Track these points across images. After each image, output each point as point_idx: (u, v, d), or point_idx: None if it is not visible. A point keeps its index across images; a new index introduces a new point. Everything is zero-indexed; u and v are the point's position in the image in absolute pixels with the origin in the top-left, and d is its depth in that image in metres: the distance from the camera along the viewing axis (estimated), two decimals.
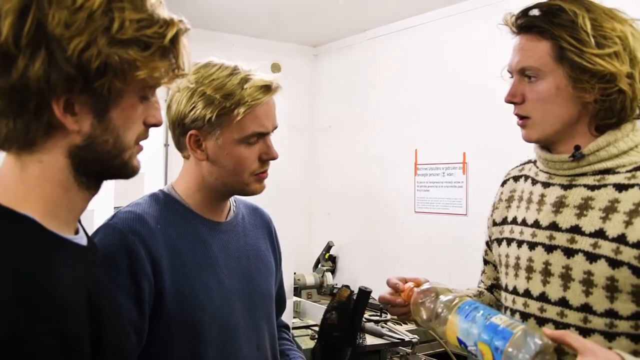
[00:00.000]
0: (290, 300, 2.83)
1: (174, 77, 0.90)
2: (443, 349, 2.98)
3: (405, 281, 1.35)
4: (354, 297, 1.38)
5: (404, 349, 2.80)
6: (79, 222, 0.95)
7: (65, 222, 0.88)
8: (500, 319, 1.10)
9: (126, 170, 0.93)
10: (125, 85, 0.84)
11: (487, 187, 1.85)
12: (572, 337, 1.05)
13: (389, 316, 3.12)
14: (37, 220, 0.82)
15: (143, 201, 1.34)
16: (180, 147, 1.37)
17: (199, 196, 1.37)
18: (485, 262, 1.56)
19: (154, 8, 0.86)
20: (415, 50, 3.81)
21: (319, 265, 4.13)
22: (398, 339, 2.75)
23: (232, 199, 1.48)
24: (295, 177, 4.47)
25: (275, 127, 1.36)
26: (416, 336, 2.81)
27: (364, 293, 1.36)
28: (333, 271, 4.18)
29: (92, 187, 0.91)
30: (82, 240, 0.92)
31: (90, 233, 1.04)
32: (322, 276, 3.91)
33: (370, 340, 2.71)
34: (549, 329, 1.07)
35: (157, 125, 0.94)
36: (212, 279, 1.33)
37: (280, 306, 1.62)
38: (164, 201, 1.36)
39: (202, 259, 1.33)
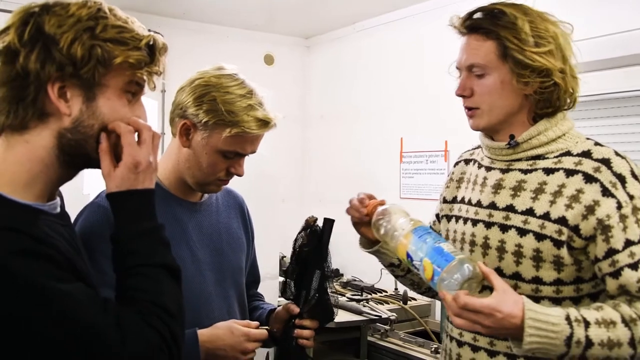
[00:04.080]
0: (276, 280, 2.98)
1: (150, 72, 1.08)
2: (422, 327, 3.14)
3: (371, 198, 1.52)
4: (320, 224, 1.55)
5: (383, 326, 2.96)
6: (60, 196, 1.11)
7: (41, 194, 1.03)
8: (447, 246, 1.28)
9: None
10: (108, 73, 1.02)
11: None
12: (494, 277, 1.23)
13: (370, 296, 3.28)
14: (4, 194, 0.98)
15: None
16: (172, 124, 1.53)
17: (174, 177, 1.53)
18: None
19: (135, 25, 1.06)
20: (401, 42, 3.93)
21: None
22: (376, 316, 2.90)
23: None
24: (287, 165, 4.61)
25: (254, 153, 1.51)
26: (394, 314, 2.96)
27: (328, 220, 1.54)
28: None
29: (72, 166, 1.07)
30: (54, 209, 1.06)
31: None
32: None
33: (350, 317, 2.88)
34: (482, 264, 1.24)
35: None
36: (185, 252, 1.49)
37: (254, 279, 1.80)
38: None
39: (177, 234, 1.49)
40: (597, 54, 2.54)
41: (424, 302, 3.31)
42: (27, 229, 0.94)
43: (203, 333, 1.42)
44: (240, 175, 1.51)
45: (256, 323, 1.49)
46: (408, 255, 1.33)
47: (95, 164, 1.08)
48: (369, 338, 2.99)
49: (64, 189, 1.13)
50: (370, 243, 1.60)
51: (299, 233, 1.56)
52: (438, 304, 3.29)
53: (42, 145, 1.02)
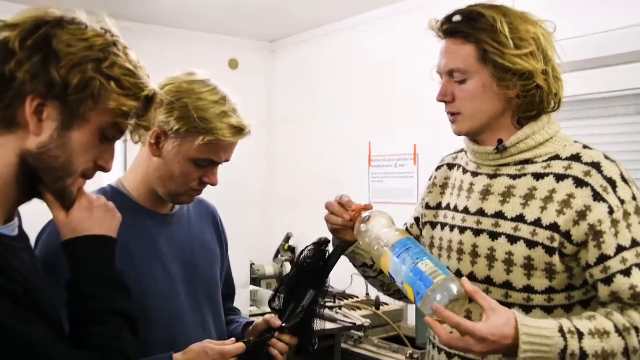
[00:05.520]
0: (247, 289, 2.92)
1: (136, 126, 1.02)
2: (396, 332, 3.11)
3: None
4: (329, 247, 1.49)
5: (357, 333, 2.92)
6: (18, 216, 1.03)
7: None
8: (426, 265, 1.18)
9: (64, 197, 1.02)
10: (96, 110, 0.95)
11: None
12: (480, 296, 1.17)
13: (342, 302, 3.24)
14: None
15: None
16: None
17: (143, 189, 1.45)
18: (407, 232, 1.66)
19: (143, 72, 1.01)
20: (369, 45, 3.91)
21: (279, 256, 4.22)
22: (350, 323, 2.87)
23: None
24: (253, 170, 4.53)
25: (228, 161, 1.44)
26: (368, 320, 2.93)
27: (340, 249, 1.49)
28: (292, 261, 4.28)
29: (30, 189, 0.99)
30: (11, 231, 0.98)
31: None
32: (281, 266, 4.00)
33: (324, 324, 2.83)
34: (467, 282, 1.18)
35: (104, 170, 1.04)
36: (157, 267, 1.41)
37: (230, 293, 1.72)
38: (112, 195, 1.43)
39: (148, 248, 1.41)
40: (582, 53, 2.52)
41: (397, 307, 3.29)
42: None
43: (177, 358, 1.34)
44: (214, 184, 1.44)
45: (232, 341, 1.43)
46: (391, 276, 1.27)
47: (52, 194, 1.02)
48: (343, 345, 2.95)
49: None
50: (346, 245, 1.52)
51: (309, 245, 1.49)
52: (411, 308, 3.27)
53: (2, 161, 0.94)
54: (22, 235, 1.03)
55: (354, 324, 2.87)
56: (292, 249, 4.31)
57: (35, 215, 1.14)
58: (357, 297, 3.47)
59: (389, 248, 1.26)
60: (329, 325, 2.83)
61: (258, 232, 4.32)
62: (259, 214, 4.49)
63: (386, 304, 3.27)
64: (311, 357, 3.01)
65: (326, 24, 4.17)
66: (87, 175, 1.03)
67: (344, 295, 3.44)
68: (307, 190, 4.26)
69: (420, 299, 1.18)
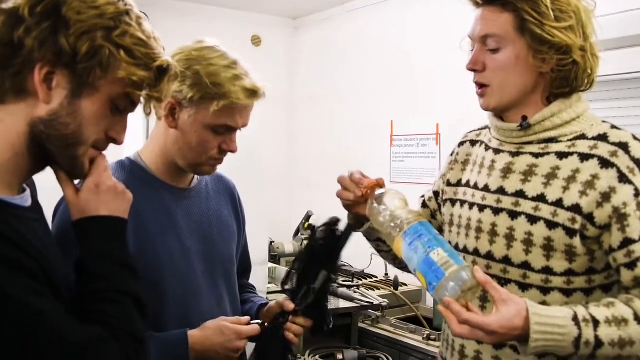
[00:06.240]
0: (266, 266, 2.92)
1: (148, 97, 1.00)
2: (413, 313, 3.10)
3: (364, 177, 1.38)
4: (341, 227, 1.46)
5: (374, 312, 2.91)
6: (29, 185, 1.02)
7: (8, 185, 0.95)
8: (438, 255, 1.16)
9: (75, 166, 1.01)
10: (105, 79, 0.94)
11: None
12: (491, 286, 1.14)
13: (361, 282, 3.24)
14: None
15: (110, 168, 1.42)
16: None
17: (162, 162, 1.45)
18: (424, 205, 1.63)
19: (156, 43, 0.99)
20: (391, 23, 3.85)
21: (299, 234, 4.22)
22: (368, 302, 2.86)
23: None
24: (275, 148, 4.53)
25: (245, 126, 1.43)
26: (386, 300, 2.92)
27: (351, 227, 1.46)
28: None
29: (42, 159, 0.98)
30: (25, 201, 0.98)
31: None
32: (301, 244, 4.00)
33: (341, 303, 2.82)
34: (479, 271, 1.15)
35: (116, 142, 1.03)
36: (173, 241, 1.41)
37: (246, 268, 1.72)
38: (130, 168, 1.44)
39: (165, 222, 1.41)
40: (616, 31, 2.41)
41: (415, 288, 3.26)
42: None
43: (193, 335, 1.35)
44: (233, 151, 1.43)
45: (247, 318, 1.42)
46: (403, 261, 1.25)
47: (60, 165, 1.02)
48: (360, 324, 2.94)
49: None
50: (361, 222, 1.48)
51: (320, 225, 1.46)
52: None
53: (14, 129, 0.93)
54: (36, 206, 1.02)
55: (372, 303, 2.86)
56: (312, 228, 4.30)
57: (54, 187, 1.14)
58: (375, 277, 3.46)
59: (401, 234, 1.23)
60: (347, 304, 2.82)
61: (278, 210, 4.31)
62: (280, 192, 4.49)
63: (405, 285, 3.25)
64: (328, 335, 3.03)
65: (350, 1, 4.11)
66: (99, 146, 1.02)
67: (362, 275, 3.43)
68: (328, 169, 4.21)
69: (432, 289, 1.16)
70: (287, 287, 1.47)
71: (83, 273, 1.00)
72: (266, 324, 1.44)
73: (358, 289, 3.04)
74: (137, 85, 0.96)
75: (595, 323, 1.14)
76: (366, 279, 3.38)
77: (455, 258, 1.17)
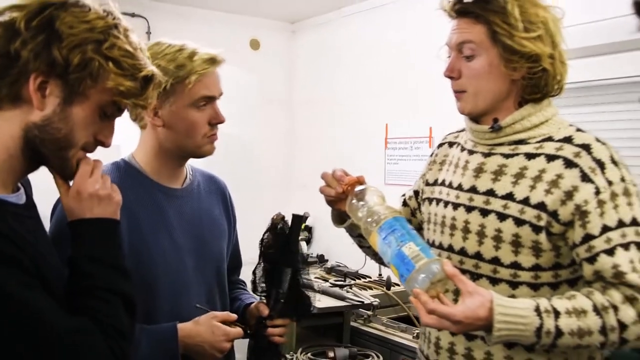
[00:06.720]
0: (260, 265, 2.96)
1: (134, 104, 1.08)
2: (405, 313, 3.14)
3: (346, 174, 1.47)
4: (288, 221, 1.53)
5: (365, 311, 2.96)
6: (24, 184, 1.10)
7: (3, 184, 1.02)
8: (409, 249, 1.23)
9: (65, 167, 1.08)
10: (95, 88, 1.02)
11: None
12: (458, 279, 1.21)
13: (354, 282, 3.29)
14: None
15: (106, 169, 1.47)
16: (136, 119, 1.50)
17: (156, 163, 1.52)
18: (405, 203, 1.72)
19: (142, 54, 1.07)
20: (388, 27, 3.91)
21: None
22: (359, 301, 2.91)
23: (189, 168, 1.62)
24: (273, 150, 4.59)
25: (221, 94, 1.51)
26: (377, 299, 2.97)
27: (297, 217, 1.52)
28: (309, 241, 4.33)
29: (34, 161, 1.06)
30: (19, 199, 1.05)
31: None
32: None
33: (333, 302, 2.88)
34: (448, 264, 1.22)
35: (104, 145, 1.10)
36: (165, 239, 1.48)
37: (236, 265, 1.78)
38: (125, 169, 1.51)
39: (158, 221, 1.48)
40: (585, 40, 2.52)
41: None
42: None
43: (183, 328, 1.42)
44: (222, 121, 1.50)
45: (235, 316, 1.49)
46: (378, 254, 1.32)
47: (52, 167, 1.09)
48: (352, 323, 2.99)
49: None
50: (342, 219, 1.56)
51: (265, 233, 1.53)
52: None
53: (9, 134, 1.01)
54: (30, 204, 1.10)
55: (363, 302, 2.91)
56: (308, 229, 4.36)
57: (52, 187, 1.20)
58: (369, 277, 3.51)
59: (377, 229, 1.30)
60: (339, 303, 2.88)
61: (275, 211, 4.34)
62: (278, 193, 4.55)
63: (397, 285, 3.30)
64: (321, 334, 3.08)
65: (346, 5, 4.17)
66: (88, 149, 1.10)
67: (356, 275, 3.48)
68: (324, 171, 4.29)
69: (404, 280, 1.23)
70: (258, 291, 1.53)
71: (75, 271, 1.07)
72: (249, 331, 1.50)
73: (350, 289, 3.09)
74: (124, 94, 1.04)
75: (556, 314, 1.20)
76: (359, 279, 3.43)
77: (426, 252, 1.23)
